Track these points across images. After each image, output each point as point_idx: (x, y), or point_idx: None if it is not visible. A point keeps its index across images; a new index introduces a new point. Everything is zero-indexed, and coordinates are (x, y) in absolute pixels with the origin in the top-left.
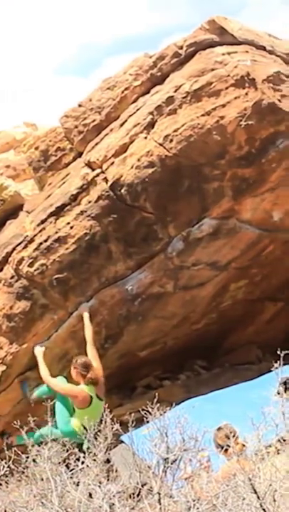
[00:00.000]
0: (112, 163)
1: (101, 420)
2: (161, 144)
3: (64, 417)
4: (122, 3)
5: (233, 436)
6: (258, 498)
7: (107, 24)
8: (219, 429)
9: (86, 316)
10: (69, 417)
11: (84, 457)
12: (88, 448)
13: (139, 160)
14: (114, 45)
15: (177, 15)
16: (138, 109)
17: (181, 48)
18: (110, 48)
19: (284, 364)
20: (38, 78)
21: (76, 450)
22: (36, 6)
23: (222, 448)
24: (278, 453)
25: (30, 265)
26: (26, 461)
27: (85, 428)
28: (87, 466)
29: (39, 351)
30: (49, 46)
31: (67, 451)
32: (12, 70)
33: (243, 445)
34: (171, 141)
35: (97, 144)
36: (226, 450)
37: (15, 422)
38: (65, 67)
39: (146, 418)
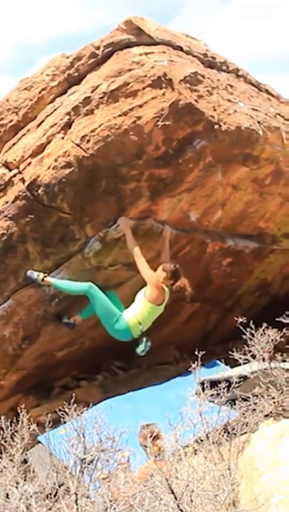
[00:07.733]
0: (29, 164)
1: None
2: (78, 145)
3: (115, 316)
4: (57, 3)
5: (151, 436)
6: (176, 498)
7: (42, 23)
8: (143, 428)
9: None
10: (120, 313)
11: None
12: (143, 351)
13: (56, 160)
14: (49, 44)
15: (114, 14)
16: (55, 110)
17: (98, 48)
18: (45, 48)
19: (201, 364)
20: None
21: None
22: None
23: (143, 447)
24: (195, 453)
25: None
26: None
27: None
28: (4, 467)
29: (126, 224)
30: None
31: None
32: None
33: (159, 448)
34: (88, 141)
35: (14, 144)
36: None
37: None
38: None
39: (64, 418)
